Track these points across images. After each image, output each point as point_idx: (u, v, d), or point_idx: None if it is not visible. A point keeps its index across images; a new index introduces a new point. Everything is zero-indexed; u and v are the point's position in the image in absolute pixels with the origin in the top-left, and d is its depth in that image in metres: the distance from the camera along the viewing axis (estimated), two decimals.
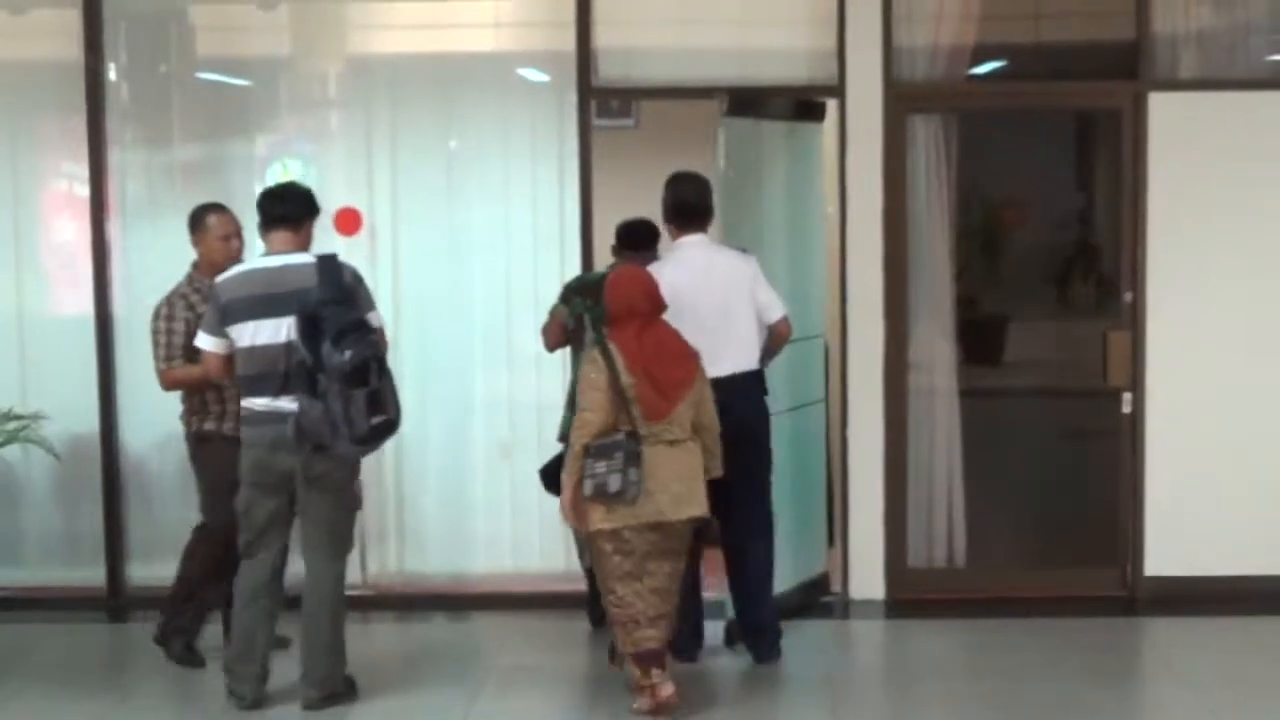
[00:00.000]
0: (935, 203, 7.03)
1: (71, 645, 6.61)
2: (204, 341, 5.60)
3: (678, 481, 5.48)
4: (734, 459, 5.86)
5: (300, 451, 5.40)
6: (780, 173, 6.77)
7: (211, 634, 6.15)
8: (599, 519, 5.44)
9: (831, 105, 6.98)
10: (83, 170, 7.05)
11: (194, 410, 6.02)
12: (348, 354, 5.23)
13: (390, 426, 5.44)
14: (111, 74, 7.08)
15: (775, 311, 6.04)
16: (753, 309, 6.00)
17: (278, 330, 5.40)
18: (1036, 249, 8.10)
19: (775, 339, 6.10)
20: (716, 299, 5.93)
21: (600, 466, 5.36)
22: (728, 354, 5.92)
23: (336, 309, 5.33)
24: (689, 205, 6.06)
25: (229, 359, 5.54)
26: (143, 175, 7.15)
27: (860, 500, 6.99)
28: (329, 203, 6.97)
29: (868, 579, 7.00)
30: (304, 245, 5.61)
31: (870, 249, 6.92)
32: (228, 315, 5.47)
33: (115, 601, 7.12)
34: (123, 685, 6.11)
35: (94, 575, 7.12)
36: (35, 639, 6.64)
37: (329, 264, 5.48)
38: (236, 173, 6.99)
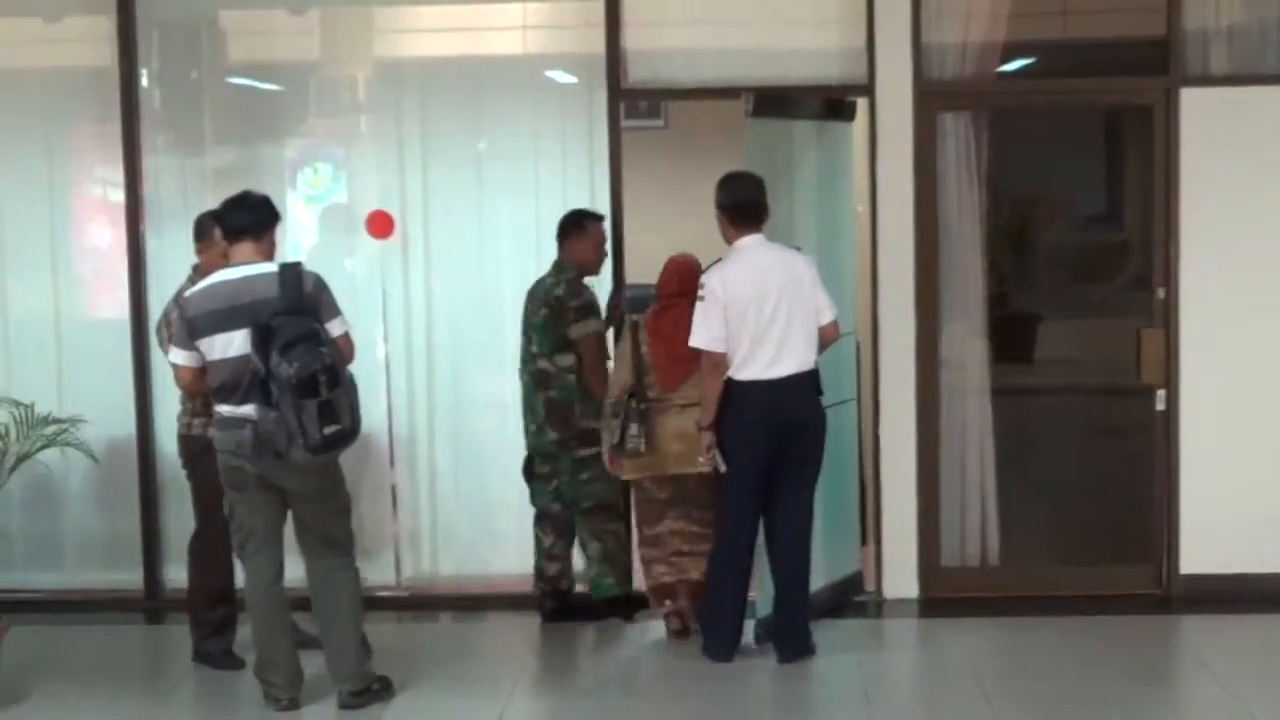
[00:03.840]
0: (966, 200, 7.00)
1: (109, 647, 6.65)
2: (176, 356, 5.63)
3: (678, 440, 6.24)
4: (787, 461, 5.97)
5: (260, 459, 5.42)
6: (811, 172, 6.75)
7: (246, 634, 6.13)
8: (625, 470, 6.39)
9: (862, 104, 6.95)
10: (117, 175, 7.09)
11: (196, 412, 6.02)
12: (294, 366, 5.25)
13: (344, 436, 5.42)
14: (144, 80, 7.12)
15: (828, 314, 6.09)
16: (812, 310, 6.03)
17: (241, 342, 5.41)
18: (1068, 246, 8.06)
19: (824, 340, 6.12)
20: (773, 300, 5.96)
21: (616, 424, 6.28)
22: (786, 355, 5.98)
23: (288, 319, 5.34)
24: (747, 204, 6.06)
25: (201, 371, 5.56)
26: (176, 180, 7.17)
27: (893, 499, 6.97)
28: (360, 206, 7.13)
29: (901, 578, 6.98)
30: (267, 253, 5.61)
31: (901, 247, 6.90)
32: (195, 329, 5.51)
33: (152, 603, 7.15)
34: (161, 687, 6.16)
35: (131, 578, 7.16)
36: (73, 641, 6.67)
37: (290, 273, 5.48)
38: (268, 177, 6.98)
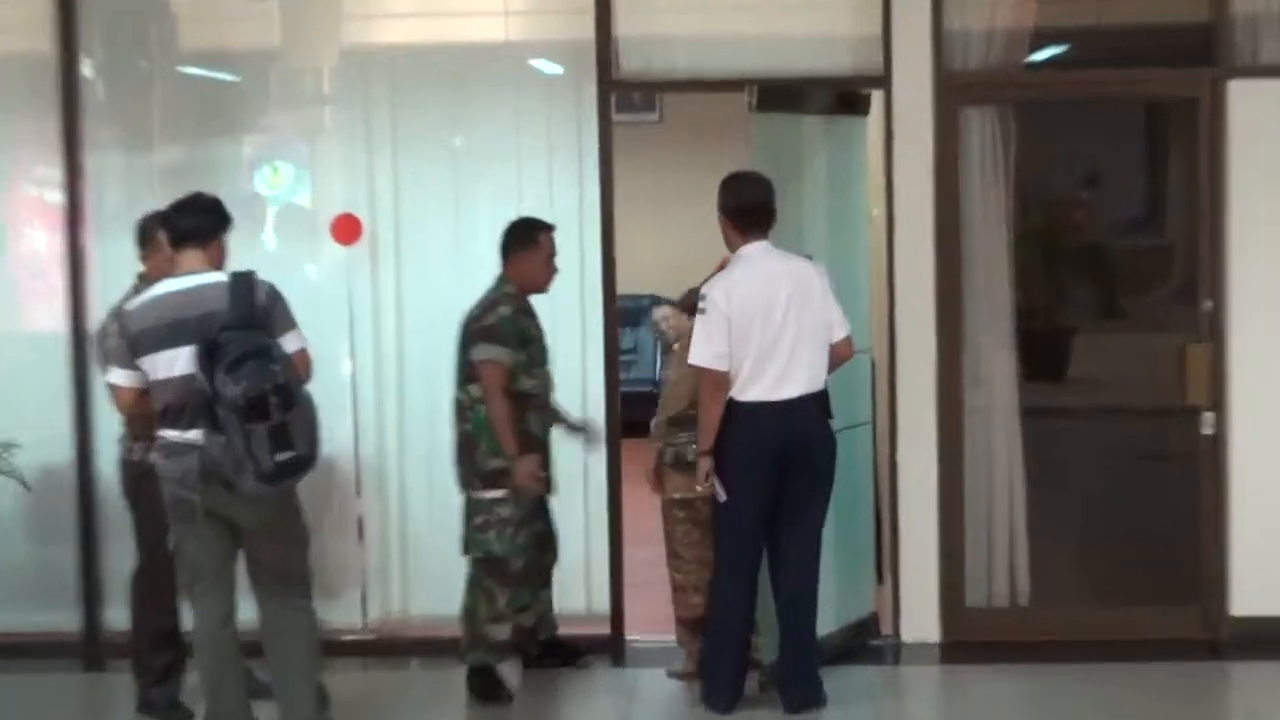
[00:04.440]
0: (991, 203, 6.80)
1: (44, 696, 6.45)
2: (115, 375, 5.43)
3: None
4: (794, 491, 5.81)
5: (208, 489, 5.18)
6: (821, 172, 6.57)
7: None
8: (675, 487, 6.15)
9: (877, 97, 6.75)
10: (56, 174, 6.88)
11: (138, 436, 5.78)
12: (241, 385, 5.01)
13: (300, 463, 5.16)
14: (87, 70, 6.90)
15: (841, 330, 5.92)
16: (823, 325, 5.85)
17: (186, 360, 5.17)
18: (1104, 253, 8.26)
19: (835, 359, 5.93)
20: (781, 314, 5.75)
21: (682, 437, 6.05)
22: (794, 375, 5.78)
23: (237, 334, 5.12)
24: (755, 208, 5.86)
25: (143, 392, 5.35)
26: (121, 180, 6.96)
27: (912, 532, 6.74)
28: (324, 209, 7.01)
29: (921, 620, 6.77)
30: (216, 261, 5.41)
31: (921, 255, 6.69)
32: (137, 347, 5.29)
33: (91, 648, 6.88)
34: None
35: (68, 619, 6.88)
36: (4, 690, 6.41)
37: (241, 283, 5.28)
38: (223, 176, 6.80)
